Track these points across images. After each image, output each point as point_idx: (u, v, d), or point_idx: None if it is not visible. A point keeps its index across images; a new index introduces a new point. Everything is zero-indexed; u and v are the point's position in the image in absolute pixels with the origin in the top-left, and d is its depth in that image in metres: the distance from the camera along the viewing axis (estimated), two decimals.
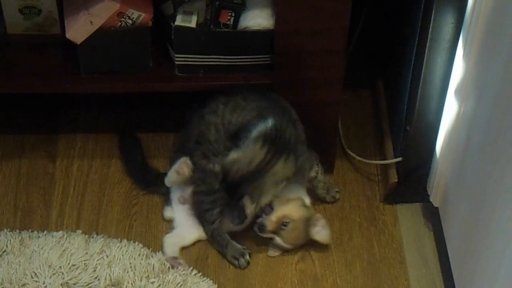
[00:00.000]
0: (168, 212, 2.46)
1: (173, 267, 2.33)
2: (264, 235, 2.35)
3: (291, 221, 2.34)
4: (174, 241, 2.40)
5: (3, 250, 2.34)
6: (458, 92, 2.17)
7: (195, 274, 2.32)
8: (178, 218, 2.44)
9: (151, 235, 2.42)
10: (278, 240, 2.35)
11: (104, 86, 2.42)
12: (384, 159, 2.55)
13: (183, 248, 2.40)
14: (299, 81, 2.37)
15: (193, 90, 2.43)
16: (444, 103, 2.25)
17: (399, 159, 2.47)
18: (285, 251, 2.39)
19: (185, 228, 2.42)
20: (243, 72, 2.39)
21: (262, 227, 2.34)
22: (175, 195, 2.45)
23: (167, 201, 2.46)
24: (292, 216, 2.35)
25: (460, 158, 2.22)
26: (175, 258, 2.35)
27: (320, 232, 2.38)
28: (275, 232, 2.34)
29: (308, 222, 2.37)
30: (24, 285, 2.26)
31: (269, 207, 2.33)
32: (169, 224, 2.43)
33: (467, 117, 2.16)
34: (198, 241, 2.41)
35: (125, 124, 2.67)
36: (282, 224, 2.34)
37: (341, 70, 2.35)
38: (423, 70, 2.24)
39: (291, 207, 2.38)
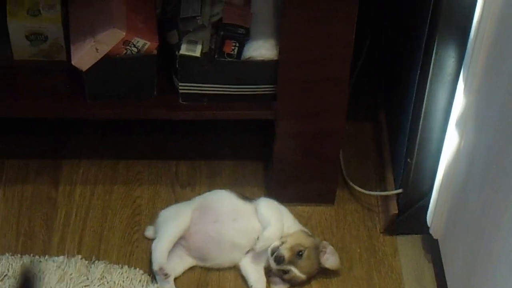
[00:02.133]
0: (149, 232, 2.48)
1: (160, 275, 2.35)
2: (282, 267, 2.35)
3: (305, 249, 2.35)
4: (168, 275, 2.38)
5: (5, 274, 2.35)
6: (459, 124, 2.19)
7: None
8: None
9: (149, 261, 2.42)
10: (295, 270, 2.36)
11: (109, 112, 2.43)
12: (384, 191, 2.56)
13: (179, 278, 2.41)
14: (302, 110, 2.39)
15: (197, 119, 2.46)
16: (445, 135, 2.27)
17: (400, 190, 2.48)
18: (292, 285, 2.40)
19: (174, 257, 2.41)
20: (247, 101, 2.42)
21: (280, 259, 2.34)
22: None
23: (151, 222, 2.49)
24: (304, 243, 2.37)
25: (461, 191, 2.23)
26: (160, 268, 2.35)
27: (330, 259, 2.39)
28: (292, 262, 2.35)
29: (317, 249, 2.38)
30: None
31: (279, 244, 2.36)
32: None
33: (468, 149, 2.17)
34: (197, 268, 2.43)
35: (128, 150, 2.69)
36: (297, 253, 2.35)
37: (344, 98, 2.37)
38: (424, 103, 2.25)
39: (299, 236, 2.40)
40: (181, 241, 2.42)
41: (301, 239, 2.39)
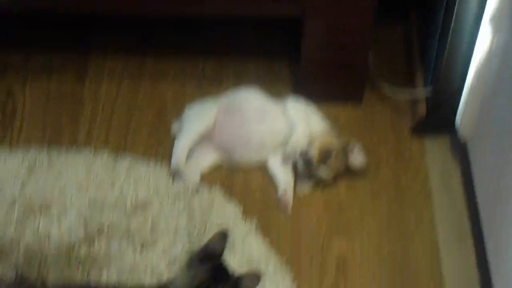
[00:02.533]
0: (175, 128, 2.48)
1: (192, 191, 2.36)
2: (312, 170, 2.35)
3: (332, 150, 2.35)
4: (192, 170, 2.40)
5: (32, 166, 2.36)
6: (493, 22, 2.14)
7: (221, 198, 2.34)
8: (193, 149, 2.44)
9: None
10: (323, 172, 2.36)
11: (137, 7, 2.40)
12: (413, 91, 2.53)
13: (206, 173, 2.41)
14: (330, 6, 2.34)
15: (226, 14, 2.42)
16: (478, 34, 2.22)
17: (429, 91, 2.45)
18: (318, 184, 2.40)
19: (201, 153, 2.42)
20: None
21: (309, 161, 2.34)
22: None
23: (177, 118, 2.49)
24: (332, 145, 2.36)
25: (491, 92, 2.20)
26: (198, 189, 2.36)
27: (357, 159, 2.39)
28: (320, 164, 2.35)
29: (345, 149, 2.38)
30: (51, 201, 2.28)
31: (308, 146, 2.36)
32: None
33: (500, 48, 2.14)
34: (224, 166, 2.43)
35: (154, 46, 2.66)
36: (325, 155, 2.35)
37: None
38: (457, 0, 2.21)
39: (327, 137, 2.39)
40: (207, 138, 2.42)
41: (329, 140, 2.38)
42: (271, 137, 2.42)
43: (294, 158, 2.39)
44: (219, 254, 1.97)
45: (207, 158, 2.43)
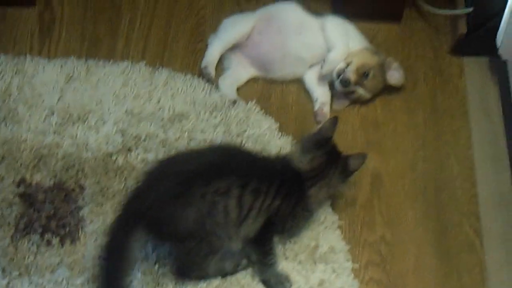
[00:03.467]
0: (211, 40, 2.47)
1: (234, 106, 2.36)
2: (349, 89, 2.34)
3: (370, 69, 2.33)
4: (229, 83, 2.41)
5: (70, 76, 2.38)
6: None
7: (258, 112, 2.34)
8: (228, 58, 2.44)
9: (216, 71, 2.41)
10: (360, 91, 2.35)
11: None
12: (454, 9, 2.50)
13: (243, 87, 2.42)
14: None
15: None
16: None
17: (470, 9, 2.42)
18: (355, 102, 2.40)
19: (237, 66, 2.43)
20: None
21: (346, 81, 2.33)
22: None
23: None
24: (369, 63, 2.34)
25: None
26: (235, 101, 2.37)
27: (395, 75, 2.37)
28: (358, 83, 2.34)
29: (383, 67, 2.36)
30: (89, 111, 2.30)
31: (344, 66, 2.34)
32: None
33: None
34: (260, 80, 2.43)
35: None
36: (363, 74, 2.33)
37: None
38: None
39: (365, 55, 2.37)
40: (244, 49, 2.42)
41: (367, 58, 2.36)
42: (309, 51, 2.41)
43: (331, 77, 2.38)
44: (330, 138, 2.10)
45: (244, 71, 2.43)
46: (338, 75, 2.35)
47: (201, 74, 2.39)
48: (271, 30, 2.41)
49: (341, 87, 2.35)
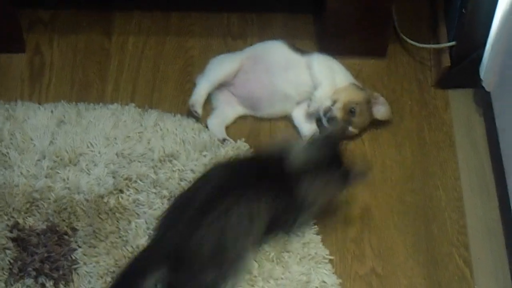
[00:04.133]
0: (199, 79, 2.49)
1: (224, 145, 2.38)
2: (336, 127, 2.36)
3: (356, 105, 2.36)
4: (218, 122, 2.43)
5: (61, 120, 2.40)
6: None
7: (247, 149, 2.37)
8: (216, 97, 2.47)
9: (204, 111, 2.44)
10: (349, 128, 2.38)
11: None
12: (437, 43, 2.54)
13: (232, 125, 2.44)
14: None
15: None
16: None
17: (453, 43, 2.46)
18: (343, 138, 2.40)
19: (225, 105, 2.46)
20: None
21: (333, 120, 2.36)
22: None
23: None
24: (356, 99, 2.37)
25: None
26: (224, 140, 2.39)
27: (381, 110, 2.41)
28: (345, 120, 2.37)
29: (369, 102, 2.39)
30: (81, 154, 2.32)
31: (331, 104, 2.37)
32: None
33: None
34: (249, 117, 2.46)
35: (180, 2, 2.68)
36: (350, 111, 2.36)
37: None
38: None
39: (351, 91, 2.40)
40: (231, 88, 2.45)
41: (353, 95, 2.39)
42: (296, 89, 2.43)
43: (318, 115, 2.41)
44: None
45: (232, 110, 2.46)
46: (325, 113, 2.38)
47: (189, 113, 2.42)
48: (258, 68, 2.44)
49: (329, 124, 2.38)
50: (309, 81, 2.43)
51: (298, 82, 2.44)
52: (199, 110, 2.41)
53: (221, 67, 2.47)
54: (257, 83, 2.44)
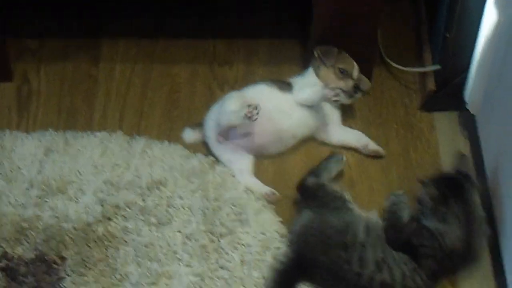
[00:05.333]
0: (187, 134, 2.47)
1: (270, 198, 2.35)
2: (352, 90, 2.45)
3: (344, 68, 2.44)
4: (249, 177, 2.39)
5: (49, 149, 2.41)
6: None
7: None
8: (226, 157, 2.41)
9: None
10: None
11: None
12: (422, 67, 2.56)
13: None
14: None
15: None
16: (484, 9, 2.25)
17: (438, 66, 2.49)
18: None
19: (240, 160, 2.41)
20: None
21: (356, 88, 2.45)
22: (211, 133, 2.44)
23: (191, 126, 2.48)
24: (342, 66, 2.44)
25: (499, 66, 2.23)
26: (271, 192, 2.34)
27: (363, 79, 2.49)
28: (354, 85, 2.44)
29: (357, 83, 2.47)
30: (69, 182, 2.33)
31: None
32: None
33: (508, 24, 2.16)
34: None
35: (166, 29, 2.70)
36: (340, 71, 2.43)
37: None
38: None
39: (328, 71, 2.44)
40: (236, 143, 2.40)
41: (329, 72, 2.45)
42: (305, 126, 2.44)
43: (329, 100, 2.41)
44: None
45: (247, 160, 2.41)
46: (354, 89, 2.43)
47: (194, 152, 2.40)
48: (262, 119, 2.36)
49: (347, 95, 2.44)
50: (314, 114, 2.44)
51: (305, 122, 2.44)
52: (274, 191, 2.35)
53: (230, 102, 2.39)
54: (263, 136, 2.40)
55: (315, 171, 2.31)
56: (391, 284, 2.06)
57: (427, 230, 2.11)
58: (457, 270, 2.16)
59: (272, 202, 2.33)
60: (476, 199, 2.16)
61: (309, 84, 2.44)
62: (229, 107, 2.35)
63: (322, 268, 2.11)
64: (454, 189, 2.16)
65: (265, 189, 2.35)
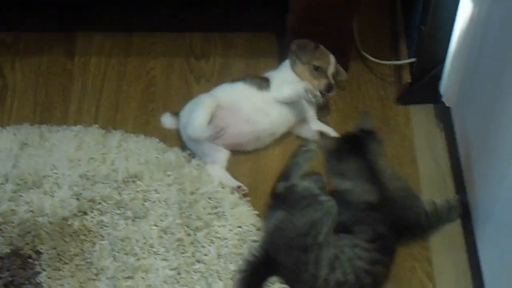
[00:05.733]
0: (166, 119, 2.47)
1: (238, 192, 2.35)
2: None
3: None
4: (220, 170, 2.38)
5: (24, 143, 2.40)
6: None
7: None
8: (200, 149, 2.41)
9: (167, 131, 2.46)
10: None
11: None
12: (398, 60, 2.57)
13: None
14: None
15: None
16: (459, 2, 2.26)
17: (413, 59, 2.49)
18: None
19: (213, 152, 2.40)
20: None
21: (330, 86, 2.44)
22: (183, 131, 2.43)
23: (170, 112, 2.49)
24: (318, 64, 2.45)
25: (474, 59, 2.24)
26: (239, 187, 2.34)
27: (340, 70, 2.50)
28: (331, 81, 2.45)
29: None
30: (44, 176, 2.32)
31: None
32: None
33: (482, 17, 2.17)
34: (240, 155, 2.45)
35: (142, 22, 2.69)
36: (315, 68, 2.44)
37: None
38: None
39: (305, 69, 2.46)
40: (215, 141, 2.39)
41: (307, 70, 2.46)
42: (283, 124, 2.44)
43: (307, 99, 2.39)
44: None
45: (222, 154, 2.41)
46: (314, 93, 2.38)
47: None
48: (237, 121, 2.39)
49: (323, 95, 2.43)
50: (293, 110, 2.44)
51: (284, 119, 2.44)
52: (207, 133, 2.35)
53: (207, 100, 2.39)
54: (241, 135, 2.41)
55: (285, 174, 2.28)
56: (345, 281, 2.07)
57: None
58: (401, 227, 2.18)
59: (241, 195, 2.33)
60: (378, 151, 2.20)
61: (286, 81, 2.44)
62: (197, 120, 2.34)
63: (285, 269, 2.12)
64: (354, 145, 2.21)
65: (233, 182, 2.35)
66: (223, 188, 2.33)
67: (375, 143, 2.22)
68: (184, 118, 2.42)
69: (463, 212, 2.24)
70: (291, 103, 2.42)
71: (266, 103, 2.42)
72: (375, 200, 2.13)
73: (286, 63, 2.48)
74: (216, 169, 2.38)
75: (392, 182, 2.16)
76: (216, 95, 2.43)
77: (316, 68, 2.43)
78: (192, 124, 2.36)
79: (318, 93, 2.38)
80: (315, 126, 2.44)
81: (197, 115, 2.35)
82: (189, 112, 2.40)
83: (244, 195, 2.33)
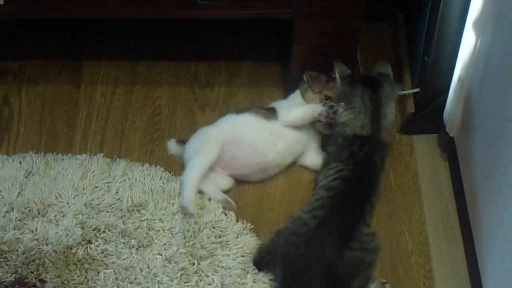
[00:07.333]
0: (172, 145, 2.48)
1: (225, 208, 2.36)
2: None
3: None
4: (208, 185, 2.38)
5: (29, 171, 2.41)
6: (476, 23, 2.19)
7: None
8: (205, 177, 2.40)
9: (172, 159, 2.47)
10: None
11: (129, 11, 2.44)
12: (401, 90, 2.57)
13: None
14: (318, 10, 2.39)
15: (215, 18, 2.47)
16: (462, 34, 2.27)
17: (417, 89, 2.50)
18: None
19: (215, 178, 2.41)
20: (264, 1, 2.42)
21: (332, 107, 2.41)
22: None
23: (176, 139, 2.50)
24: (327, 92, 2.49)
25: (477, 89, 2.25)
26: (225, 200, 2.36)
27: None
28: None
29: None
30: (49, 205, 2.33)
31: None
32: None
33: (485, 48, 2.18)
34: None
35: (148, 52, 2.71)
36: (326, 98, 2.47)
37: None
38: (441, 2, 2.26)
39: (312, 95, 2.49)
40: (221, 170, 2.40)
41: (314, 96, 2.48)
42: (288, 154, 2.45)
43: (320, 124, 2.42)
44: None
45: (225, 182, 2.42)
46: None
47: (175, 173, 2.41)
48: (244, 153, 2.40)
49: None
50: (300, 140, 2.45)
51: (290, 149, 2.44)
52: (194, 211, 2.33)
53: (203, 157, 2.38)
54: (248, 167, 2.41)
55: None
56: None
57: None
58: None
59: (228, 210, 2.34)
60: (390, 93, 2.36)
61: (296, 104, 2.46)
62: (184, 197, 2.33)
63: None
64: (368, 80, 2.36)
65: (220, 196, 2.36)
66: (226, 216, 2.34)
67: (390, 86, 2.37)
68: (189, 153, 2.42)
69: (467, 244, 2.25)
70: (299, 131, 2.43)
71: (273, 134, 2.42)
72: (366, 134, 2.28)
73: (297, 93, 2.50)
74: (206, 183, 2.37)
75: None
76: (222, 128, 2.43)
77: (327, 98, 2.44)
78: (182, 194, 2.35)
79: (333, 115, 2.37)
80: (317, 158, 2.45)
81: (184, 191, 2.34)
82: (193, 152, 2.40)
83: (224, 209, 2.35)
